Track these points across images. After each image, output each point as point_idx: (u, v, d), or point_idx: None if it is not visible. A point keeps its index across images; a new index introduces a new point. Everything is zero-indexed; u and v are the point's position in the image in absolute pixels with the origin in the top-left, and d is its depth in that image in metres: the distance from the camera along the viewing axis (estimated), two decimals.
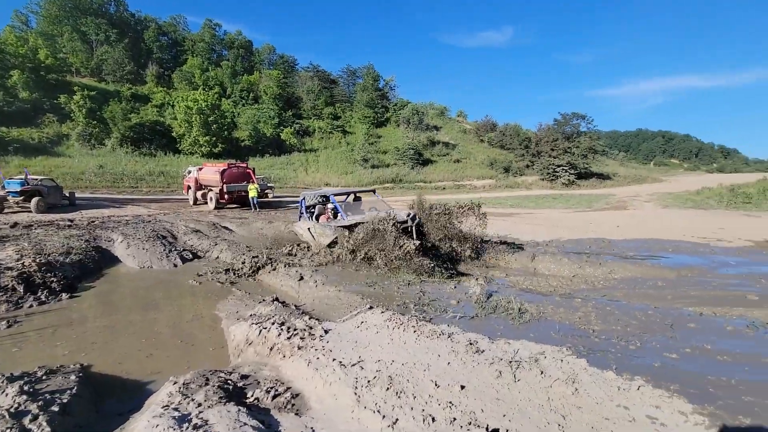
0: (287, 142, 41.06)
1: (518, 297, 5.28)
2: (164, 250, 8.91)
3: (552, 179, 39.12)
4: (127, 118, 33.32)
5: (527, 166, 44.02)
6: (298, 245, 9.31)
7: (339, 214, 9.49)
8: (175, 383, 3.13)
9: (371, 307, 4.92)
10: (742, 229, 11.34)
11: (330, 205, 10.15)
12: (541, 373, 3.18)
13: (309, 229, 9.27)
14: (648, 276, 7.06)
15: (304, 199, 10.60)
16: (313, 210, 10.41)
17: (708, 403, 2.83)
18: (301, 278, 6.89)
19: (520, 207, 21.11)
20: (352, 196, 11.49)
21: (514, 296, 5.27)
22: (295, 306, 5.61)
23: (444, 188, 34.94)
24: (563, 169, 38.65)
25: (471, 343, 3.77)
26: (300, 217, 10.79)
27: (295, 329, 4.22)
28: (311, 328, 4.28)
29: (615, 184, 41.85)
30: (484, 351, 3.62)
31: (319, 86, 53.76)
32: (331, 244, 8.25)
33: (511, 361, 3.37)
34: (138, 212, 15.13)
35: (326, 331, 4.20)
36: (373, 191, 11.63)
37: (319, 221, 9.71)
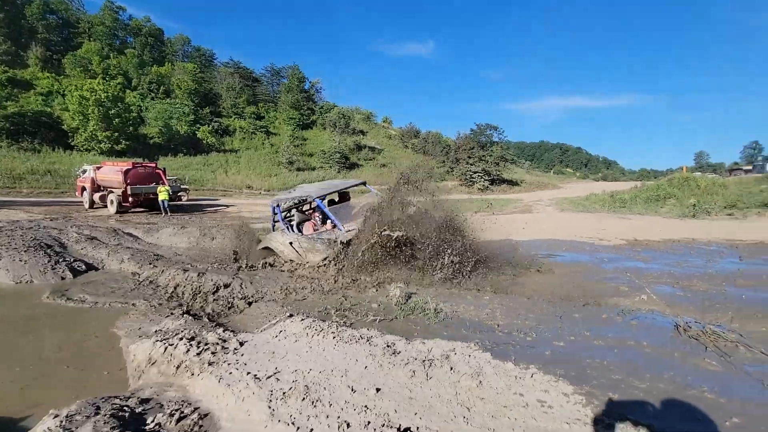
0: (204, 141, 38.33)
1: (435, 298, 5.60)
2: (49, 261, 7.72)
3: (469, 185, 41.94)
4: (2, 106, 28.31)
5: (447, 172, 46.62)
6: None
7: (335, 225, 7.71)
8: (55, 416, 2.74)
9: (291, 315, 4.82)
10: (618, 229, 13.31)
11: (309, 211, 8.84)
12: (451, 369, 3.41)
13: (291, 243, 7.63)
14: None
15: (278, 205, 8.58)
16: (291, 218, 8.64)
17: (585, 383, 3.28)
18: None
19: None
20: (336, 195, 9.24)
21: (430, 297, 5.57)
22: (209, 318, 5.28)
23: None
24: (479, 176, 41.67)
25: (389, 346, 3.90)
26: (273, 227, 8.87)
27: (206, 344, 3.96)
28: (225, 341, 4.06)
29: (522, 189, 46.19)
30: (400, 352, 3.77)
31: (240, 84, 51.18)
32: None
33: (424, 360, 3.55)
34: (15, 217, 12.95)
35: (241, 344, 4.02)
36: (364, 183, 9.71)
37: (303, 232, 8.15)
